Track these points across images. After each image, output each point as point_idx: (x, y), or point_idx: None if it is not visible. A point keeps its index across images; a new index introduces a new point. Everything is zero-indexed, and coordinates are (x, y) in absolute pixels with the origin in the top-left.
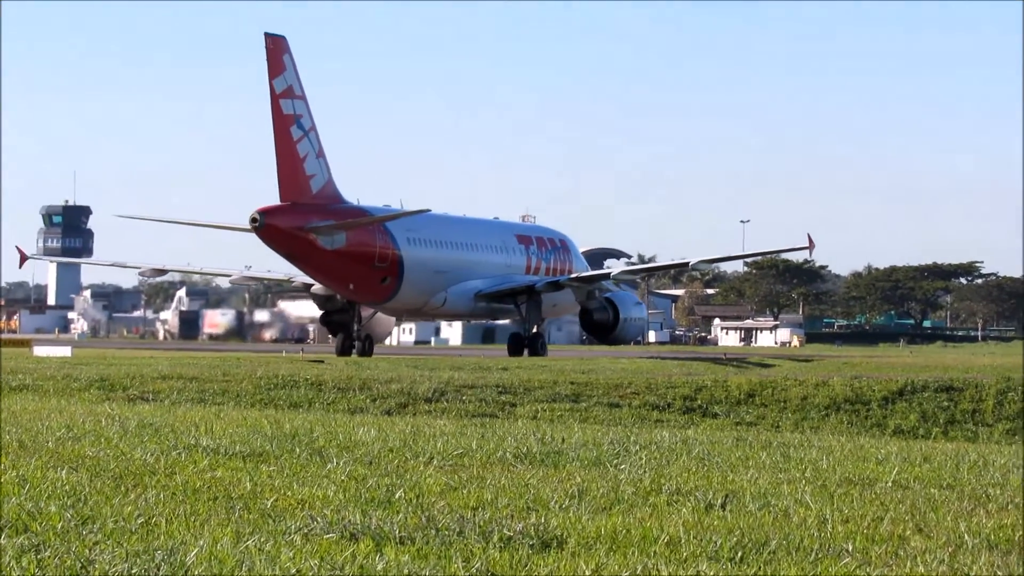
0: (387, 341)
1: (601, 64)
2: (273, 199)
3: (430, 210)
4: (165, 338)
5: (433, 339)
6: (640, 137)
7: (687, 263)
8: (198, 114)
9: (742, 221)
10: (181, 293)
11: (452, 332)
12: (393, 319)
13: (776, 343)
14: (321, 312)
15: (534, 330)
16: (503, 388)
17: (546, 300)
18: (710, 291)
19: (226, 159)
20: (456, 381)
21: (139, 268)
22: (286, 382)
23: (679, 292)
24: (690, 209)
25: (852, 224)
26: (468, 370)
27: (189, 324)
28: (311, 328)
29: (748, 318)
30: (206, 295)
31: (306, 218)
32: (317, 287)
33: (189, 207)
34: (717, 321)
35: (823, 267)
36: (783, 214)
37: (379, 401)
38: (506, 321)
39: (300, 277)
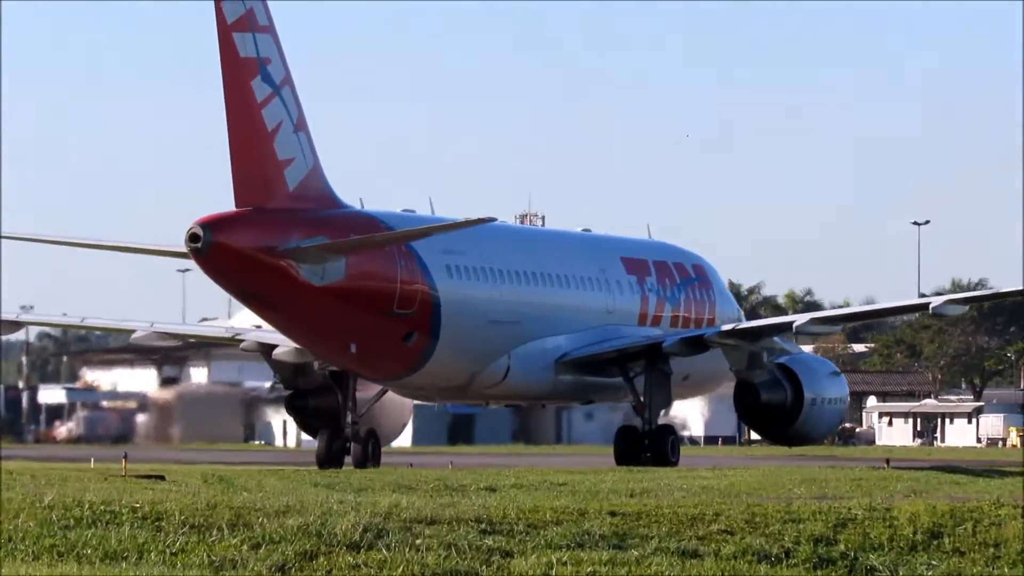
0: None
1: None
2: (225, 204)
3: (496, 219)
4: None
5: None
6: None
7: (927, 303)
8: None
9: (916, 223)
10: None
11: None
12: (410, 404)
13: (979, 439)
14: (288, 393)
15: (658, 420)
16: (488, 524)
17: (678, 368)
18: (859, 348)
19: (159, 155)
20: (404, 511)
21: None
22: (99, 515)
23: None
24: (809, 198)
25: None
26: (426, 490)
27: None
28: (140, 419)
29: (928, 396)
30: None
31: (280, 233)
32: (283, 350)
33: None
34: (872, 402)
35: None
36: (975, 210)
37: (265, 549)
38: (606, 406)
39: (253, 332)
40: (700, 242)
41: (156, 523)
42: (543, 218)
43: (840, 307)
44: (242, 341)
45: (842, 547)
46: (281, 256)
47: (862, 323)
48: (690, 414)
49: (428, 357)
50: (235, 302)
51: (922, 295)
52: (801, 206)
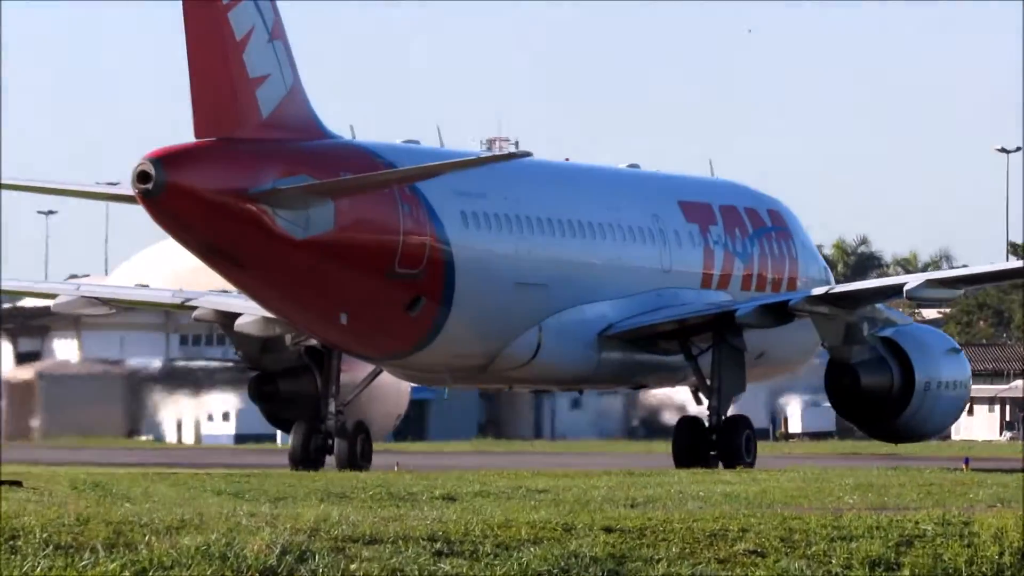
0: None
1: None
2: (184, 136)
3: (531, 154)
4: None
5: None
6: None
7: None
8: None
9: (1004, 150)
10: None
11: None
12: (407, 390)
13: None
14: (253, 375)
15: (728, 410)
16: (446, 543)
17: (752, 344)
18: (929, 314)
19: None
20: (335, 527)
21: None
22: None
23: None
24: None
25: None
26: (364, 499)
27: None
28: None
29: (1021, 376)
30: None
31: (251, 171)
32: (248, 319)
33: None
34: None
35: None
36: None
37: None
38: (657, 391)
39: (211, 297)
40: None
41: (11, 543)
42: (516, 143)
43: (905, 260)
44: (195, 308)
45: (907, 572)
46: (253, 200)
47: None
48: None
49: (438, 330)
50: (115, 253)
51: (1012, 244)
52: (834, 130)
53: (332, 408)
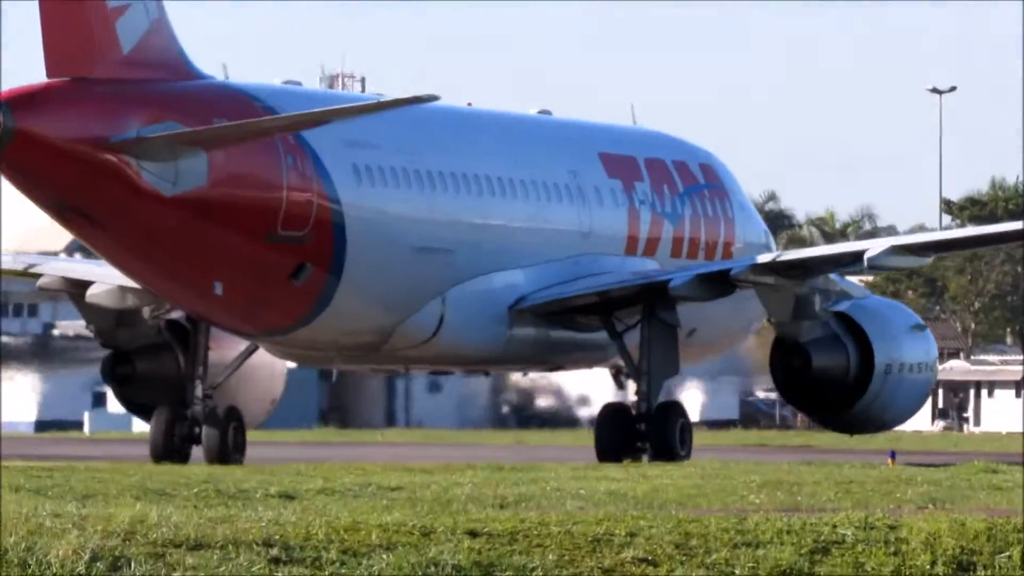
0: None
1: None
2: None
3: (439, 97)
4: None
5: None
6: None
7: None
8: None
9: (936, 90)
10: None
11: None
12: (283, 371)
13: None
14: (107, 353)
15: (660, 395)
16: (283, 549)
17: (685, 319)
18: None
19: None
20: (154, 529)
21: None
22: None
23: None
24: None
25: None
26: (188, 497)
27: None
28: None
29: (956, 355)
30: None
31: (112, 116)
32: (101, 288)
33: None
34: None
35: None
36: None
37: None
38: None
39: (54, 263)
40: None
41: None
42: (362, 80)
43: (821, 219)
44: (39, 276)
45: None
46: (115, 150)
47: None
48: (593, 387)
49: (327, 302)
50: None
51: (946, 202)
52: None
53: (199, 392)
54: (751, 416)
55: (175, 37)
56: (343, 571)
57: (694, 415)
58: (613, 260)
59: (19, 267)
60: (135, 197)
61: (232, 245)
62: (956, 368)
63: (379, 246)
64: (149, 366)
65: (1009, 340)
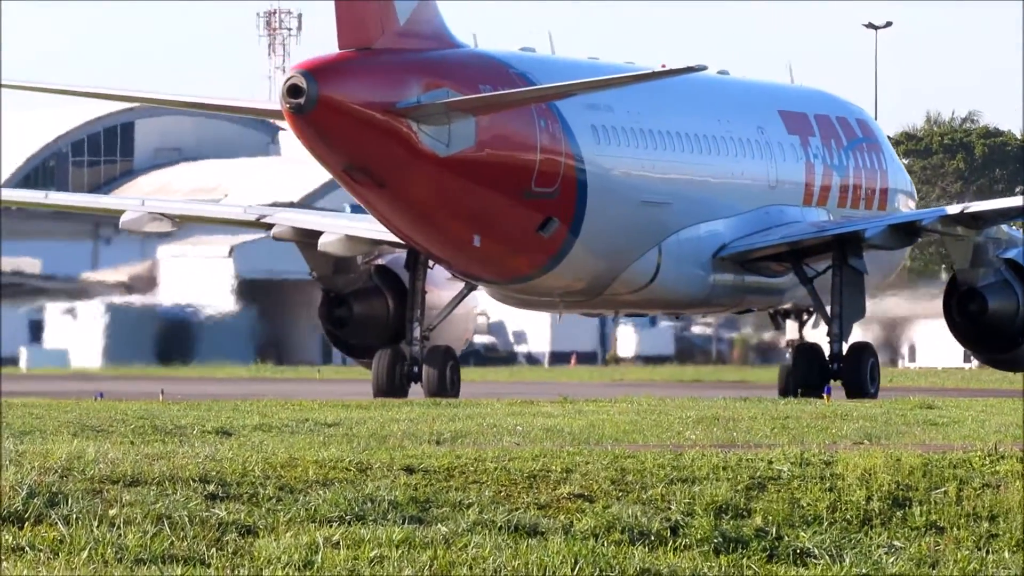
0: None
1: None
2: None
3: (707, 67)
4: None
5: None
6: None
7: None
8: None
9: (872, 25)
10: None
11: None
12: (476, 312)
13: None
14: (323, 297)
15: (848, 338)
16: (220, 485)
17: (873, 265)
18: None
19: None
20: (91, 466)
21: None
22: None
23: None
24: None
25: None
26: (124, 433)
27: None
28: None
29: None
30: None
31: (396, 84)
32: (332, 237)
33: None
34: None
35: None
36: None
37: None
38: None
39: (287, 213)
40: None
41: None
42: (299, 17)
43: None
44: (271, 226)
45: (759, 520)
46: (400, 115)
47: None
48: (530, 323)
49: (565, 253)
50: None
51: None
52: None
53: (417, 333)
54: (687, 351)
55: (437, 8)
56: (279, 507)
57: (629, 351)
58: (794, 210)
59: (251, 218)
60: (415, 158)
61: (493, 201)
62: (888, 301)
63: (612, 200)
64: (363, 309)
65: (944, 275)
